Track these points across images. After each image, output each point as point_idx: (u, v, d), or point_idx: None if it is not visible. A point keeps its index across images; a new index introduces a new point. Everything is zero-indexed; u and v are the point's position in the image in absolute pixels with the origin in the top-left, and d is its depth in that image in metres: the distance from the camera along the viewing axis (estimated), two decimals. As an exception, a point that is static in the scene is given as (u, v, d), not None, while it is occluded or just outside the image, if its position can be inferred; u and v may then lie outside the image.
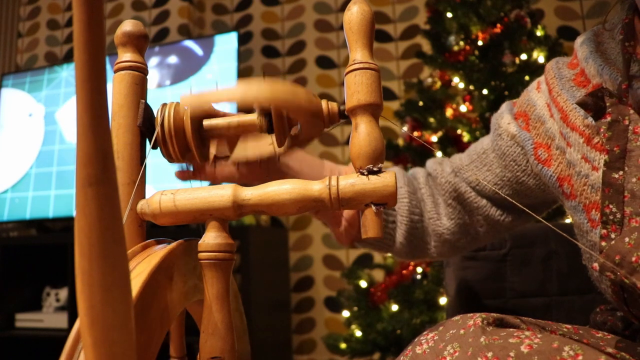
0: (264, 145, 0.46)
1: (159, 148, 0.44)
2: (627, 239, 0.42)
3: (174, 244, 0.39)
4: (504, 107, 0.65)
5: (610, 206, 0.46)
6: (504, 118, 0.63)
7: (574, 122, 0.53)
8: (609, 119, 0.47)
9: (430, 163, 0.69)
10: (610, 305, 0.56)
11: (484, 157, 0.64)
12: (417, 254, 0.67)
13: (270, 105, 0.42)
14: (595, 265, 0.43)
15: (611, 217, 0.46)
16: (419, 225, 0.64)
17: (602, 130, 0.48)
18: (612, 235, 0.45)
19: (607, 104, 0.47)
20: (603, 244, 0.45)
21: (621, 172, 0.46)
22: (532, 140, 0.59)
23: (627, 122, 0.46)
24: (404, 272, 1.60)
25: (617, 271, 0.41)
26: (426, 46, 1.90)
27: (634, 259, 0.40)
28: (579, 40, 0.57)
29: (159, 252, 0.37)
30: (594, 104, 0.48)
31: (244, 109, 0.49)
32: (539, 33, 1.64)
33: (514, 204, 0.64)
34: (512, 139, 0.61)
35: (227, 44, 2.07)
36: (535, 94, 0.61)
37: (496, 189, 0.63)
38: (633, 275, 0.40)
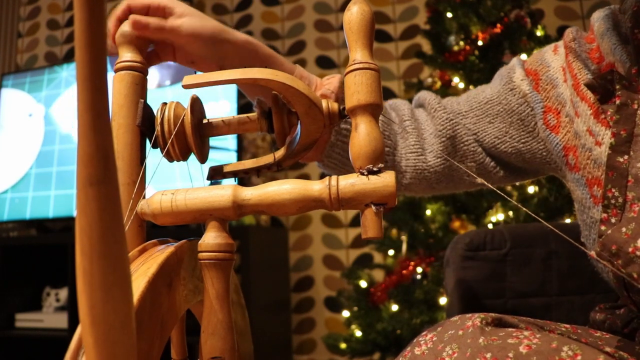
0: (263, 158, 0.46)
1: (159, 148, 0.44)
2: (624, 229, 0.41)
3: (171, 249, 0.38)
4: (515, 61, 0.62)
5: (613, 190, 0.45)
6: (516, 72, 0.60)
7: (585, 93, 0.52)
8: (617, 102, 0.46)
9: (424, 93, 0.65)
10: (610, 304, 0.57)
11: (487, 107, 0.61)
12: None
13: (269, 86, 0.42)
14: (593, 253, 0.42)
15: (613, 201, 0.45)
16: (389, 158, 0.61)
17: (609, 112, 0.47)
18: (613, 220, 0.44)
19: (617, 87, 0.47)
20: (603, 227, 0.45)
21: (626, 157, 0.45)
22: (542, 104, 0.57)
23: (635, 107, 0.46)
24: (404, 272, 1.60)
25: (613, 261, 0.41)
26: (426, 46, 1.90)
27: (630, 249, 0.40)
28: (595, 15, 0.56)
29: (157, 258, 0.36)
30: (601, 87, 0.47)
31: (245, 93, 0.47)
32: (539, 33, 1.64)
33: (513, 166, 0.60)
34: (523, 97, 0.59)
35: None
36: (551, 55, 0.59)
37: (496, 144, 0.60)
38: (629, 265, 0.40)
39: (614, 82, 0.47)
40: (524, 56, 1.57)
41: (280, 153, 0.46)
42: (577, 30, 0.58)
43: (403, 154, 0.62)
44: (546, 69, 0.58)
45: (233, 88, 2.00)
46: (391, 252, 1.70)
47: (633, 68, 0.48)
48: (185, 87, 0.41)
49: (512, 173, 0.63)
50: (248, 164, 0.46)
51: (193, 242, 0.41)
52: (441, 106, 0.62)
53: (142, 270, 0.35)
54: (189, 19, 0.50)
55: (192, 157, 0.46)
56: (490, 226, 1.49)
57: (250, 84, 0.56)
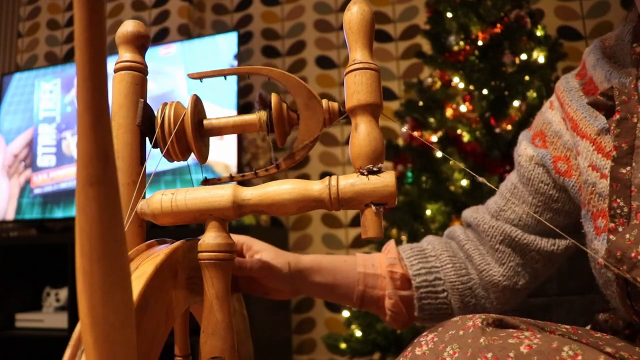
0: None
1: (159, 148, 0.44)
2: (627, 235, 0.43)
3: (177, 243, 0.39)
4: (521, 136, 0.66)
5: (618, 200, 0.47)
6: (521, 146, 0.64)
7: (584, 130, 0.55)
8: (617, 116, 0.49)
9: (467, 213, 0.68)
10: (612, 304, 0.57)
11: (515, 192, 0.64)
12: (480, 313, 0.65)
13: (270, 76, 0.42)
14: (601, 260, 0.44)
15: (618, 211, 0.47)
16: (471, 284, 0.64)
17: (612, 127, 0.49)
18: (620, 229, 0.46)
19: (617, 102, 0.49)
20: (611, 237, 0.47)
21: (629, 168, 0.47)
22: (550, 155, 0.60)
23: (635, 120, 0.48)
24: (404, 272, 1.60)
25: (618, 267, 0.42)
26: (426, 46, 1.90)
27: (633, 254, 0.41)
28: (587, 50, 0.60)
29: (163, 250, 0.37)
30: (604, 103, 0.50)
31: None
32: (539, 33, 1.64)
33: (553, 227, 0.61)
34: (531, 161, 0.62)
35: (227, 44, 2.07)
36: (550, 113, 0.62)
37: (538, 217, 0.62)
38: (633, 270, 0.41)
39: (614, 98, 0.49)
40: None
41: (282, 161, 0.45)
42: (565, 77, 0.62)
43: (476, 276, 0.64)
44: (549, 125, 0.61)
45: (233, 88, 2.00)
46: (391, 252, 1.69)
47: (633, 82, 0.50)
48: (191, 76, 0.43)
49: (573, 235, 0.63)
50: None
51: (191, 242, 0.41)
52: (478, 220, 0.65)
53: (150, 260, 0.35)
54: (265, 254, 0.58)
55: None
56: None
57: None
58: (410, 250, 0.65)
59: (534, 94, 1.53)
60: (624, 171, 0.47)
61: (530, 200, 0.62)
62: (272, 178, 0.48)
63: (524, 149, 0.63)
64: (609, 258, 0.43)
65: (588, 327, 0.58)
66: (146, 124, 0.43)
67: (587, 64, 0.58)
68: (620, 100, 0.49)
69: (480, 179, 0.63)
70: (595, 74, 0.56)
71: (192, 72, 0.43)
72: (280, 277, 0.58)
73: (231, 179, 0.44)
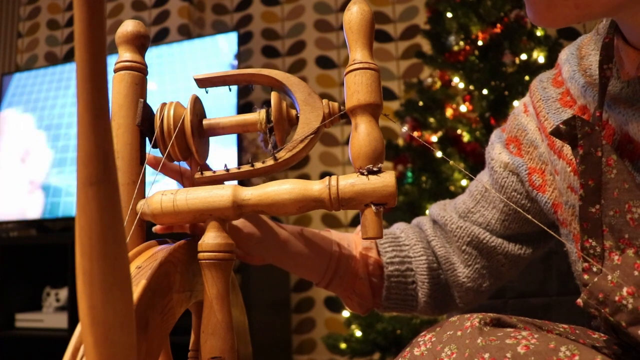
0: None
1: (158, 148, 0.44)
2: (609, 277, 0.41)
3: (170, 249, 0.38)
4: (493, 136, 0.64)
5: (590, 240, 0.45)
6: (495, 148, 0.62)
7: (562, 150, 0.52)
8: (581, 152, 0.45)
9: (434, 210, 0.66)
10: None
11: (487, 195, 0.62)
12: (443, 309, 0.64)
13: (272, 75, 0.43)
14: (579, 301, 0.42)
15: (591, 252, 0.45)
16: (441, 279, 0.62)
17: (577, 161, 0.46)
18: (594, 269, 0.44)
19: (579, 135, 0.45)
20: (586, 277, 0.44)
21: (597, 206, 0.44)
22: (525, 166, 0.58)
23: (600, 154, 0.45)
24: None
25: (600, 309, 0.40)
26: (426, 46, 1.90)
27: (617, 298, 0.40)
28: (562, 56, 0.56)
29: (157, 255, 0.36)
30: (567, 133, 0.46)
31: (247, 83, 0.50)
32: (539, 33, 1.64)
33: (540, 227, 0.61)
34: (506, 168, 0.60)
35: (227, 44, 2.07)
36: (525, 118, 0.60)
37: (507, 225, 0.61)
38: (617, 314, 0.39)
39: (577, 129, 0.45)
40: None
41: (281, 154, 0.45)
42: (541, 81, 0.58)
43: (444, 272, 0.63)
44: (524, 132, 0.59)
45: (233, 87, 2.00)
46: (391, 252, 1.69)
47: (597, 111, 0.47)
48: (196, 78, 0.43)
49: (539, 243, 0.63)
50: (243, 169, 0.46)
51: (190, 241, 0.41)
52: (446, 219, 0.64)
53: (143, 272, 0.35)
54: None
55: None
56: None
57: None
58: (384, 235, 0.63)
59: (534, 94, 1.53)
60: (593, 210, 0.45)
61: (500, 207, 0.61)
62: (271, 178, 0.48)
63: (498, 154, 0.61)
64: (590, 299, 0.41)
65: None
66: (146, 124, 0.43)
67: (564, 74, 0.55)
68: (583, 132, 0.45)
69: (487, 186, 0.63)
70: (571, 87, 0.53)
71: (191, 72, 0.43)
72: (252, 241, 0.54)
73: (227, 171, 0.44)
